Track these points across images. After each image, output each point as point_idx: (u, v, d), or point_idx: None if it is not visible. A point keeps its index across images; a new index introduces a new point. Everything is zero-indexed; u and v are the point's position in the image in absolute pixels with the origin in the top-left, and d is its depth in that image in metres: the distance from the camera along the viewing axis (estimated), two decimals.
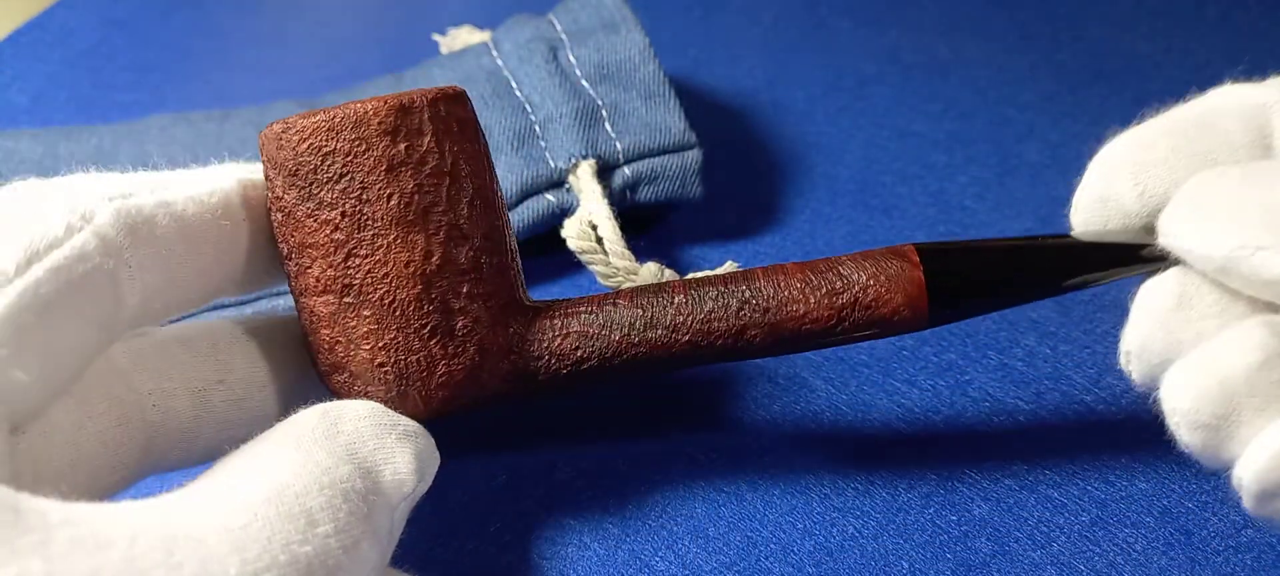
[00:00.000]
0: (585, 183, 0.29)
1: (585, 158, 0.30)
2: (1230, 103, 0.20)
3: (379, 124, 0.19)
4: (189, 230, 0.18)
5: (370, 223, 0.19)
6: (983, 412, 0.27)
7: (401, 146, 0.19)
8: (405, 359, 0.20)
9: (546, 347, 0.21)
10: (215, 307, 0.28)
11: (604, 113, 0.31)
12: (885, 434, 0.26)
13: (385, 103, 0.19)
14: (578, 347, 0.21)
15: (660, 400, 0.27)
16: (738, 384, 0.27)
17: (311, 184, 0.19)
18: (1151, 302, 0.19)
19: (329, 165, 0.19)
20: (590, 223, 0.29)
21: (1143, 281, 0.19)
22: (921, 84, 0.39)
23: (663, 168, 0.30)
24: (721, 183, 0.34)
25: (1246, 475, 0.18)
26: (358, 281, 0.19)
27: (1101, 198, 0.20)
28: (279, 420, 0.22)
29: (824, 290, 0.20)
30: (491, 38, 0.34)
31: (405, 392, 0.20)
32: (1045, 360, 0.28)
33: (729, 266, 0.29)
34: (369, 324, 0.19)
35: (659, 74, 0.32)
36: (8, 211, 0.16)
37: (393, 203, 0.19)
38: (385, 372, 0.20)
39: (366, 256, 0.19)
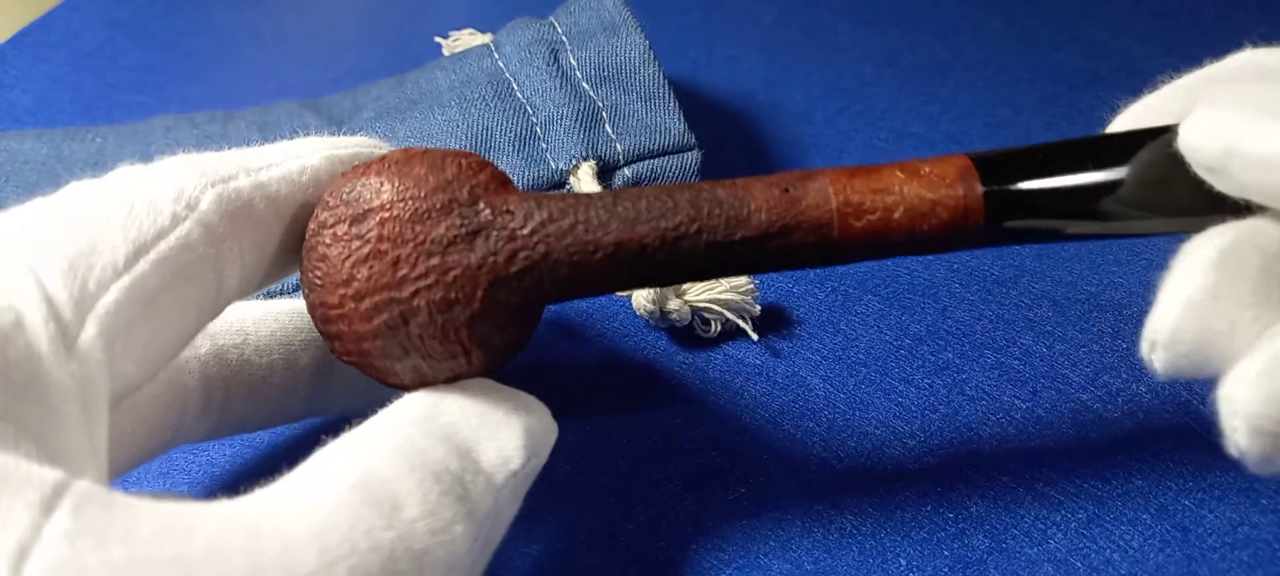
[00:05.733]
0: (586, 184, 0.30)
1: (586, 159, 0.30)
2: (1246, 60, 0.20)
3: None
4: (283, 210, 0.19)
5: None
6: (980, 411, 0.27)
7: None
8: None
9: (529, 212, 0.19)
10: None
11: (604, 114, 0.31)
12: (883, 431, 0.26)
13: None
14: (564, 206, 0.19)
15: (661, 398, 0.27)
16: (737, 381, 0.28)
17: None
18: (1183, 290, 0.18)
19: None
20: None
21: (1167, 272, 0.18)
22: (920, 85, 0.39)
23: (663, 169, 0.31)
24: None
25: None
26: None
27: None
28: (304, 402, 0.23)
29: (857, 169, 0.19)
30: (493, 40, 0.34)
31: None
32: (1042, 358, 0.28)
33: None
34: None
35: (659, 76, 0.32)
36: (116, 199, 0.16)
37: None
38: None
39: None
